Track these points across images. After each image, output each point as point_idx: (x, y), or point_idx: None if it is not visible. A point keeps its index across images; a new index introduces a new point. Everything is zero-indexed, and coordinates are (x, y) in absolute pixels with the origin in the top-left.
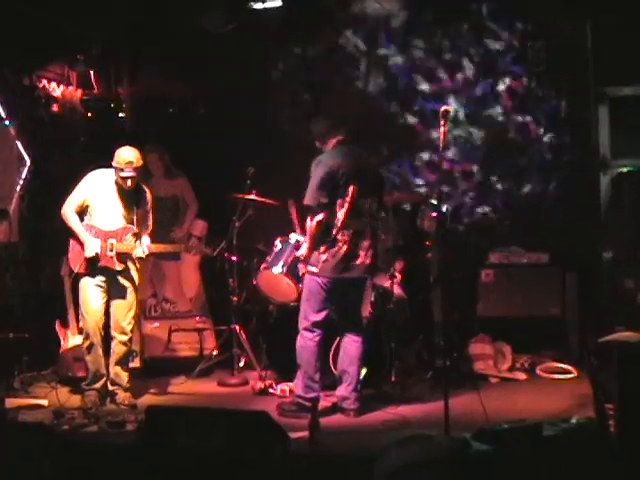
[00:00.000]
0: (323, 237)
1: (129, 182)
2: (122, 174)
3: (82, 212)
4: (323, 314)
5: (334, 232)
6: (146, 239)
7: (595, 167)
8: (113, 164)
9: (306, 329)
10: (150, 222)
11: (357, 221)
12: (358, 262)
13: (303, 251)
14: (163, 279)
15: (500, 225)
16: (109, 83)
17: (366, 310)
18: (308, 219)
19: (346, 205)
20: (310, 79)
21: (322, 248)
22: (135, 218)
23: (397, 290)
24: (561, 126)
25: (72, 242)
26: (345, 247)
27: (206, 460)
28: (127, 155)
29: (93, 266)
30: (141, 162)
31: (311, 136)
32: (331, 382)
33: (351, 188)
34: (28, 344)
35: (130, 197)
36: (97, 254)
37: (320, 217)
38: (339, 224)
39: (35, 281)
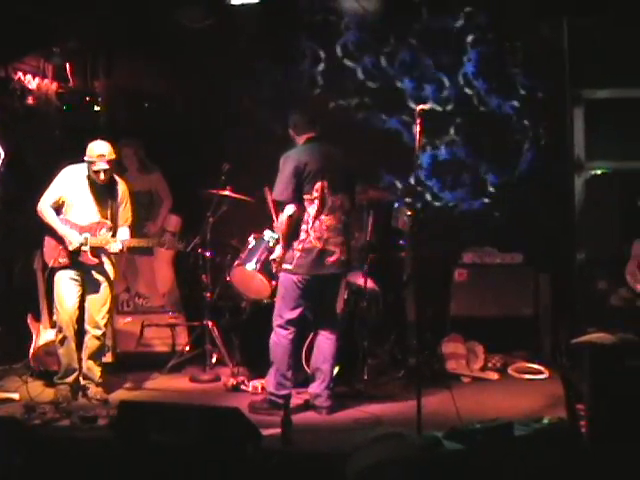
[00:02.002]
0: (295, 234)
1: (102, 175)
2: (94, 167)
3: (58, 208)
4: (297, 312)
5: (306, 229)
6: (124, 232)
7: (570, 169)
8: (85, 158)
9: (280, 326)
10: (130, 214)
11: (329, 217)
12: (332, 259)
13: (278, 253)
14: (136, 274)
15: (474, 225)
16: (85, 76)
17: (339, 307)
18: (279, 215)
19: (316, 202)
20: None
21: (295, 245)
22: (109, 212)
23: (370, 284)
24: (536, 127)
25: (47, 237)
26: (319, 244)
27: (178, 456)
28: (99, 148)
29: (73, 259)
30: (113, 155)
31: (287, 132)
32: (303, 379)
33: (319, 184)
34: (0, 338)
35: (104, 191)
36: (81, 244)
37: (291, 212)
38: (311, 220)
39: (8, 275)
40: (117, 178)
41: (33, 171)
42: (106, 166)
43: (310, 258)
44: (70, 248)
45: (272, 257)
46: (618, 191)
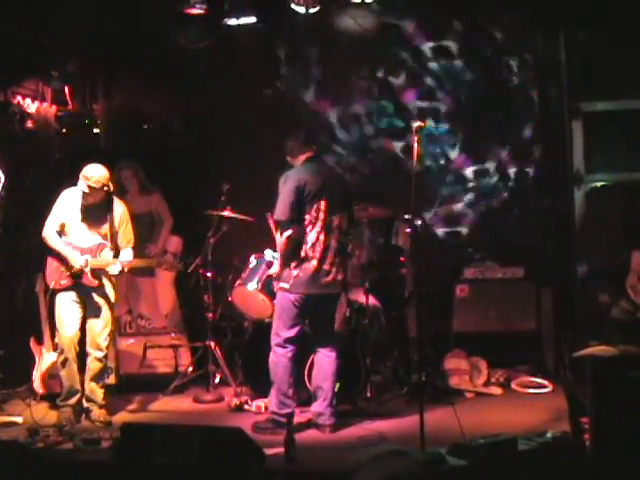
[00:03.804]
0: (294, 253)
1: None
2: (78, 184)
3: (61, 231)
4: (295, 330)
5: (305, 248)
6: (127, 253)
7: (569, 182)
8: None
9: (278, 345)
10: (132, 236)
11: (327, 238)
12: (329, 279)
13: (275, 269)
14: (138, 295)
15: (475, 240)
16: (84, 99)
17: (339, 325)
18: (278, 235)
19: (316, 222)
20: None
21: (293, 264)
22: (108, 234)
23: (372, 301)
24: (535, 141)
25: (49, 259)
26: (316, 264)
27: (181, 477)
28: (88, 170)
29: (76, 280)
30: (99, 184)
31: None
32: (307, 398)
33: (319, 204)
34: (3, 361)
35: (100, 213)
36: (82, 265)
37: (289, 232)
38: (310, 240)
39: (10, 298)
40: (115, 199)
41: (33, 194)
42: (86, 189)
43: (307, 277)
44: (76, 267)
45: (269, 272)
46: (618, 203)
